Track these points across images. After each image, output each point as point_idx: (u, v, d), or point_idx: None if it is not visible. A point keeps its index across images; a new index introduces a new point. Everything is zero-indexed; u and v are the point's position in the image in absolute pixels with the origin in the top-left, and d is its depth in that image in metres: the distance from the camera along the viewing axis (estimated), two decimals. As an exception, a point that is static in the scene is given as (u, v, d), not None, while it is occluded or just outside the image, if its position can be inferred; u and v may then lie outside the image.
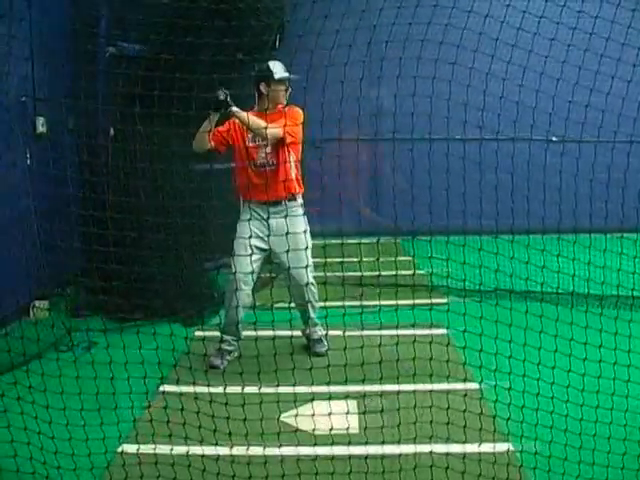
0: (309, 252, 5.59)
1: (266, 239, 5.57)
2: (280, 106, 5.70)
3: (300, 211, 5.78)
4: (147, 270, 7.06)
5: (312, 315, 5.98)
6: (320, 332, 6.12)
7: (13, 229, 6.61)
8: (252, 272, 5.54)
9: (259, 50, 7.81)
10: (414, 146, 5.36)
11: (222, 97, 5.25)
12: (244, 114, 5.38)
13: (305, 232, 5.66)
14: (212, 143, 5.70)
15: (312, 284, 5.80)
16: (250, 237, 5.30)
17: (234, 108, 5.34)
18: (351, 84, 4.62)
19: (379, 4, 4.33)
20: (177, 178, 7.16)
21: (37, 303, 7.19)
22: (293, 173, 5.77)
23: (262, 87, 5.68)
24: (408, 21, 4.32)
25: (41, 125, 7.51)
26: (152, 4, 6.70)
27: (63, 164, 6.75)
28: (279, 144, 5.61)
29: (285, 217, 5.31)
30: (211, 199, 7.55)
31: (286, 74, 5.68)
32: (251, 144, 5.73)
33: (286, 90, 5.73)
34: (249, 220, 5.56)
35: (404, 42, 4.35)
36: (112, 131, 7.28)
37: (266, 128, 5.20)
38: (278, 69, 5.68)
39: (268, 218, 5.50)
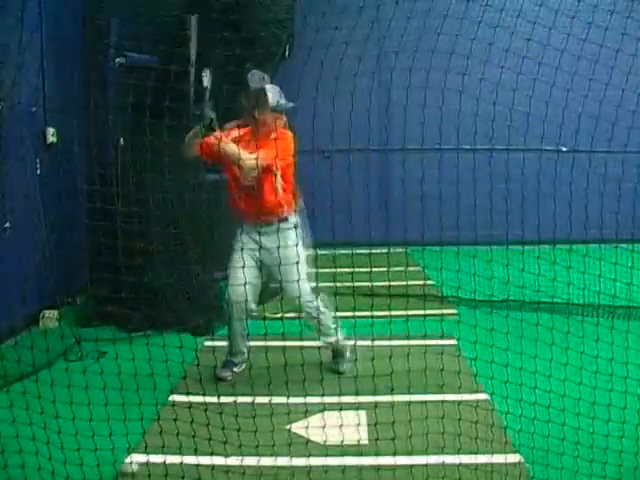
0: (302, 266, 5.35)
1: (257, 253, 5.48)
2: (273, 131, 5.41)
3: (290, 226, 5.51)
4: (156, 280, 7.08)
5: (318, 327, 5.66)
6: (336, 344, 5.79)
7: (23, 238, 6.62)
8: (249, 284, 5.24)
9: (269, 60, 7.83)
10: (424, 156, 5.37)
11: (207, 121, 5.15)
12: (223, 142, 5.21)
13: (296, 246, 5.36)
14: (200, 152, 5.47)
15: (307, 298, 5.52)
16: (242, 249, 5.26)
17: (216, 133, 5.22)
18: (361, 94, 4.63)
19: (389, 15, 4.33)
20: (186, 189, 7.17)
21: (47, 313, 7.19)
22: (280, 196, 5.52)
23: (256, 113, 5.46)
24: (418, 32, 4.33)
25: (51, 135, 7.54)
26: (162, 15, 6.75)
27: (73, 174, 6.77)
28: (263, 169, 5.37)
29: (274, 233, 5.19)
30: (220, 209, 7.57)
31: (282, 102, 5.45)
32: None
33: (280, 117, 5.50)
34: (241, 233, 5.55)
35: (414, 53, 4.34)
36: (122, 141, 7.30)
37: (240, 160, 5.17)
38: (274, 97, 5.42)
39: (259, 234, 5.42)
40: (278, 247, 4.90)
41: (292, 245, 5.33)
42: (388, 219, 5.38)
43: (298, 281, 5.22)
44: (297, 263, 5.24)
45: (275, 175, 5.46)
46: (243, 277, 4.97)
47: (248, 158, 5.26)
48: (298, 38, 8.57)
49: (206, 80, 5.36)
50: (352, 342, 5.54)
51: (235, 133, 5.58)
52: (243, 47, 6.23)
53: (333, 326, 5.72)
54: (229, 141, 5.32)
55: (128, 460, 4.12)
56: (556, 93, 4.97)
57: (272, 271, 5.55)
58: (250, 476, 3.90)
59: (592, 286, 4.96)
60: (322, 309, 5.68)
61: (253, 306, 5.59)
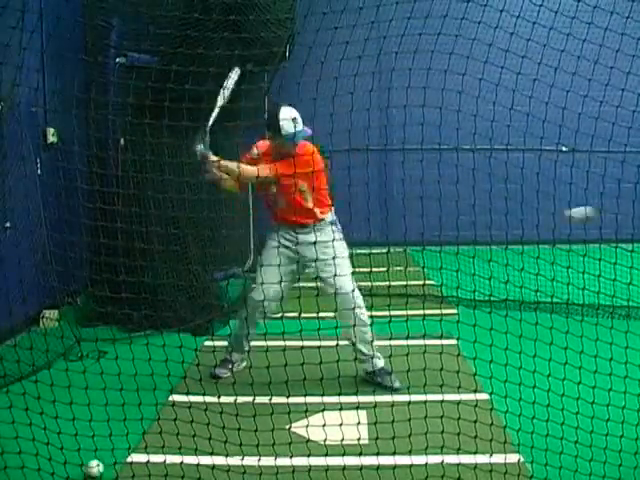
0: (344, 261, 5.38)
1: (294, 251, 5.55)
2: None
3: (325, 225, 5.58)
4: (156, 280, 7.09)
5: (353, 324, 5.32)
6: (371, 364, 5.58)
7: (23, 239, 6.62)
8: (274, 284, 5.28)
9: (269, 61, 7.83)
10: (424, 156, 5.36)
11: (198, 157, 5.30)
12: (227, 163, 5.32)
13: (334, 241, 5.22)
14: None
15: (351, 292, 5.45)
16: (277, 248, 5.34)
17: (212, 158, 5.31)
18: (361, 95, 4.63)
19: (389, 15, 4.33)
20: (187, 189, 7.17)
21: (47, 313, 7.19)
22: (310, 203, 5.54)
23: (269, 135, 5.53)
24: (418, 32, 4.33)
25: (51, 135, 7.54)
26: (163, 15, 6.75)
27: (73, 174, 6.77)
28: (284, 184, 5.41)
29: (310, 232, 5.32)
30: (221, 210, 7.58)
31: (292, 131, 5.39)
32: None
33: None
34: (276, 231, 5.66)
35: (414, 53, 4.35)
36: (122, 141, 7.30)
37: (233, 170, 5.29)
38: (288, 127, 5.38)
39: (295, 232, 5.55)
40: (314, 242, 4.90)
41: (332, 240, 5.25)
42: (388, 219, 5.35)
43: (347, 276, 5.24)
44: (342, 258, 5.21)
45: (300, 189, 5.47)
46: (268, 277, 5.12)
47: (249, 170, 5.34)
48: (298, 38, 8.56)
49: (224, 95, 5.34)
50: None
51: (255, 151, 5.66)
52: (243, 47, 6.23)
53: (369, 322, 5.53)
54: (226, 162, 5.35)
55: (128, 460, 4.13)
56: (556, 93, 4.97)
57: (315, 268, 5.46)
58: (250, 475, 3.91)
59: (591, 286, 4.95)
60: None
61: (273, 306, 5.57)
